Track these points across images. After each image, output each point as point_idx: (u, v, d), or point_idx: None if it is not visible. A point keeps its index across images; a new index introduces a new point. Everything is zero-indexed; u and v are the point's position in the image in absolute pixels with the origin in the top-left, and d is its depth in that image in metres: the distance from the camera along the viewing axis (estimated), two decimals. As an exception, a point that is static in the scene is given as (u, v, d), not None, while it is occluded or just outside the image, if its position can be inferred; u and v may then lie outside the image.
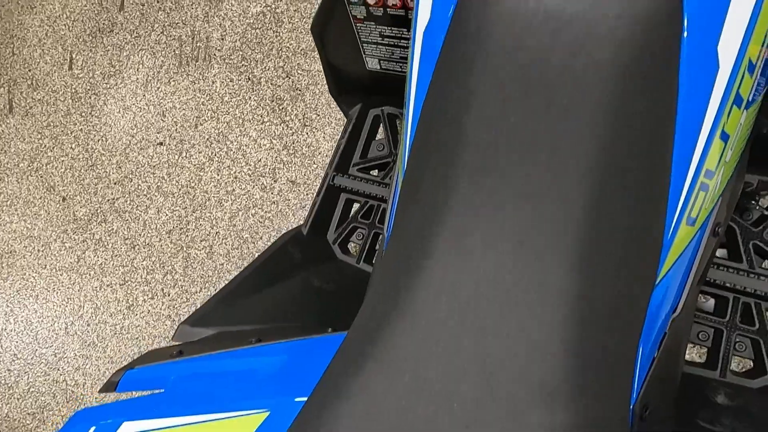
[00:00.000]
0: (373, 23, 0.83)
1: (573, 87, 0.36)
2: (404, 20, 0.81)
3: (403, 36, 0.84)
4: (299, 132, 1.45)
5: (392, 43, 0.86)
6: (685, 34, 0.36)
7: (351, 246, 1.09)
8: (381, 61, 0.92)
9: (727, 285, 0.66)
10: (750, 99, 0.44)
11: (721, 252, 0.73)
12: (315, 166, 1.42)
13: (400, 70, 0.93)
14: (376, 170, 1.12)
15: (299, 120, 1.46)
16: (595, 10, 0.35)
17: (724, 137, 0.41)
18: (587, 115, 0.36)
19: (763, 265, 0.71)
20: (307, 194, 1.41)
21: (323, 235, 1.09)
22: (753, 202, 0.75)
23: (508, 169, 0.38)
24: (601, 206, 0.36)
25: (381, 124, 1.11)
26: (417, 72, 0.47)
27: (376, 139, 1.12)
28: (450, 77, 0.41)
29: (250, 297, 0.88)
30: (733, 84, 0.38)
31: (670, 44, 0.36)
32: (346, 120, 1.12)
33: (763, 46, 0.39)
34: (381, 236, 1.07)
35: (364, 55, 0.92)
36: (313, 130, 1.44)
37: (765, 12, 0.37)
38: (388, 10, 0.80)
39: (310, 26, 1.02)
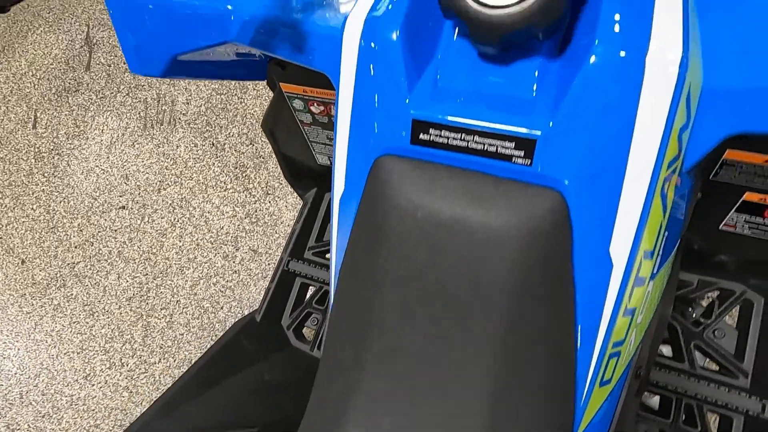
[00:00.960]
0: (320, 127, 0.85)
1: (470, 293, 0.37)
2: (349, 128, 0.82)
3: (349, 141, 0.85)
4: (262, 200, 1.46)
5: (340, 145, 0.87)
6: (574, 242, 0.37)
7: (305, 331, 1.09)
8: (330, 158, 0.94)
9: (669, 387, 0.68)
10: (654, 272, 0.45)
11: (666, 349, 0.75)
12: (277, 235, 1.42)
13: (350, 166, 0.94)
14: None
15: (262, 188, 1.47)
16: (486, 219, 0.37)
17: (629, 312, 0.43)
18: (484, 318, 0.37)
19: (705, 365, 0.72)
20: (268, 264, 1.41)
21: (278, 321, 1.09)
22: (693, 302, 0.77)
23: (414, 356, 0.39)
24: (503, 397, 0.37)
25: (337, 207, 1.12)
26: (336, 235, 0.47)
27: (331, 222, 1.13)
28: (361, 260, 0.42)
29: (195, 399, 0.87)
30: (629, 276, 0.40)
31: (561, 253, 0.37)
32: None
33: (664, 215, 0.41)
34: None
35: (314, 152, 0.93)
36: (276, 199, 1.44)
37: (656, 206, 0.39)
38: (332, 119, 0.82)
39: (261, 122, 1.03)
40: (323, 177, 1.03)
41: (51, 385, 1.53)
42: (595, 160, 0.35)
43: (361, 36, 0.40)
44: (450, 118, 0.37)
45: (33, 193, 1.72)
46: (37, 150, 1.76)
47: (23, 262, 1.66)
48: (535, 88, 0.36)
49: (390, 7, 0.39)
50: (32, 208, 1.70)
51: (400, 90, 0.39)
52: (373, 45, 0.40)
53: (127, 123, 1.67)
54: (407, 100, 0.38)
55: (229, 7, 0.55)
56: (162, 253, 1.51)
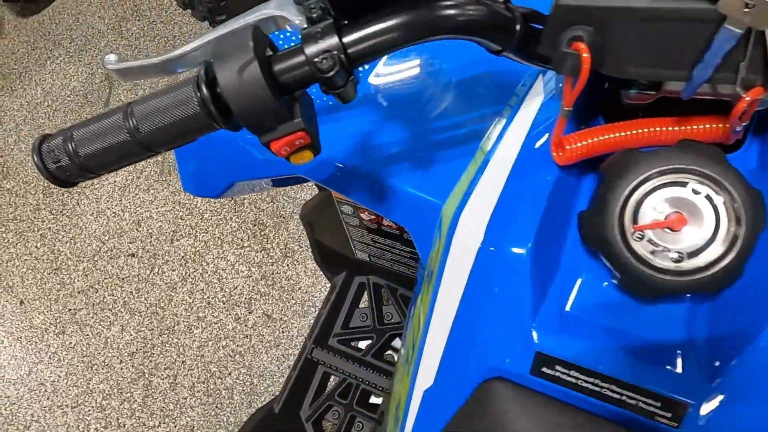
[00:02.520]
0: (365, 230, 0.81)
1: None
2: (398, 237, 0.79)
3: (396, 247, 0.81)
4: (280, 262, 1.41)
5: (384, 248, 0.83)
6: None
7: (325, 425, 1.03)
8: (371, 256, 0.90)
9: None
10: None
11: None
12: (293, 301, 1.37)
13: (390, 266, 0.90)
14: (358, 341, 1.08)
15: (281, 249, 1.42)
16: None
17: None
18: None
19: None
20: (282, 331, 1.35)
21: (296, 411, 1.03)
22: None
23: None
24: None
25: (365, 292, 1.07)
26: (412, 426, 0.43)
27: (360, 306, 1.08)
28: None
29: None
30: None
31: None
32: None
33: None
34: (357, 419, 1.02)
35: (353, 248, 0.89)
36: (295, 263, 1.40)
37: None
38: (383, 227, 0.78)
39: (299, 213, 0.99)
40: (356, 264, 0.99)
41: (41, 440, 1.45)
42: None
43: (483, 241, 0.36)
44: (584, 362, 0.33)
45: (38, 230, 1.66)
46: (46, 185, 1.70)
47: (22, 303, 1.59)
48: (686, 340, 0.32)
49: (520, 213, 0.36)
50: (36, 246, 1.64)
51: (522, 312, 0.35)
52: (495, 250, 0.36)
53: (143, 166, 1.62)
54: (532, 328, 0.34)
55: None
56: (170, 308, 1.45)
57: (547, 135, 0.37)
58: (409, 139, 0.49)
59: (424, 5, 0.31)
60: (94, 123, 0.33)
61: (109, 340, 1.48)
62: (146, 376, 1.41)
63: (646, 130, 0.34)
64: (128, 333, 1.47)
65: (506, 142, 0.39)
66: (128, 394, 1.41)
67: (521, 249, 0.35)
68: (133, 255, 1.54)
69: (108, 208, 1.61)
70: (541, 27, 0.33)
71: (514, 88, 0.45)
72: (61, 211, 1.66)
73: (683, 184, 0.29)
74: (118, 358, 1.45)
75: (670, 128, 0.34)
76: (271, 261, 1.42)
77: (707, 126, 0.33)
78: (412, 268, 0.85)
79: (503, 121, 0.42)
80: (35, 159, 0.34)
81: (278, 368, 1.34)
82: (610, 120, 0.39)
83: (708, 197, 0.29)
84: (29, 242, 1.65)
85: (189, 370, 1.39)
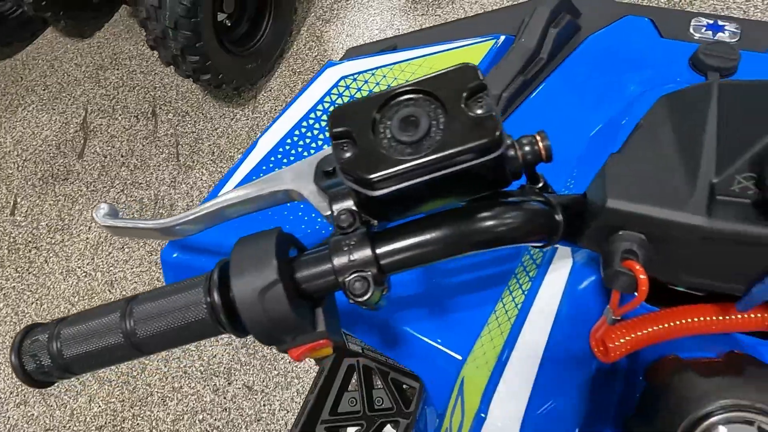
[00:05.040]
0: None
1: None
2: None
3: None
4: (261, 330, 1.35)
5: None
6: None
7: None
8: (364, 349, 0.86)
9: None
10: None
11: None
12: (275, 372, 1.31)
13: (384, 359, 0.87)
14: (347, 428, 1.03)
15: (263, 316, 1.36)
16: None
17: None
18: None
19: None
20: (263, 404, 1.29)
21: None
22: None
23: None
24: None
25: (354, 375, 1.03)
26: None
27: (348, 390, 1.04)
28: None
29: None
30: None
31: None
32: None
33: None
34: None
35: (347, 341, 0.85)
36: (277, 331, 1.34)
37: None
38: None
39: None
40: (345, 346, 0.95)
41: None
42: None
43: None
44: None
45: (1, 289, 1.56)
46: (12, 240, 1.61)
47: (-20, 369, 1.48)
48: None
49: (555, 415, 0.33)
50: (-2, 307, 1.54)
51: None
52: None
53: (118, 223, 1.55)
54: None
55: None
56: (143, 377, 1.37)
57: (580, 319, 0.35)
58: (423, 282, 0.46)
59: (462, 217, 0.28)
60: (87, 321, 0.29)
61: (75, 412, 1.38)
62: (115, 452, 1.32)
63: (695, 320, 0.31)
64: (96, 404, 1.37)
65: (535, 319, 0.36)
66: (95, 473, 1.31)
67: None
68: (104, 318, 1.46)
69: (79, 267, 1.53)
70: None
71: None
72: (27, 269, 1.57)
73: (750, 423, 0.27)
74: (84, 431, 1.36)
75: (720, 318, 0.32)
76: (252, 328, 1.36)
77: (758, 315, 0.31)
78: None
79: (526, 279, 0.40)
80: (12, 358, 0.29)
81: (259, 445, 1.27)
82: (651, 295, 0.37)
83: None
84: (-9, 302, 1.55)
85: (162, 446, 1.30)
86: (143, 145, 1.67)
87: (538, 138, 0.28)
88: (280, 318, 0.26)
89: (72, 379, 1.41)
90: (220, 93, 1.68)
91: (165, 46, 1.34)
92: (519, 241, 0.29)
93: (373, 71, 0.56)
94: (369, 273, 0.27)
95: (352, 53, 0.64)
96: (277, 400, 1.29)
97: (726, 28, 0.58)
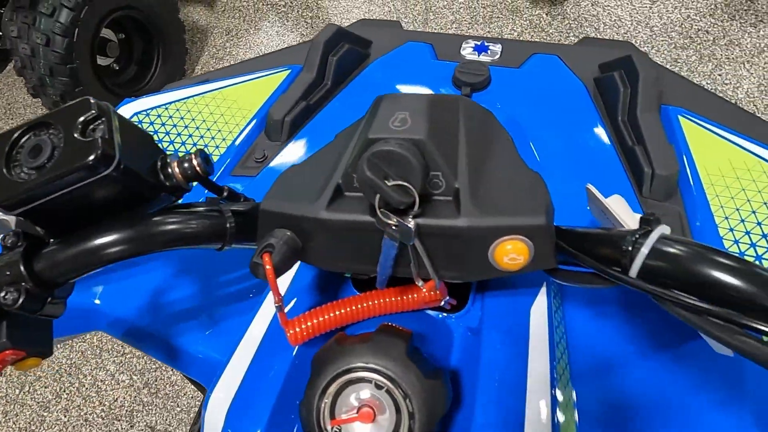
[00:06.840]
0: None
1: None
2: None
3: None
4: (163, 368, 1.34)
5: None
6: None
7: None
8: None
9: None
10: None
11: None
12: (179, 409, 1.30)
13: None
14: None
15: (164, 353, 1.36)
16: None
17: None
18: None
19: None
20: (167, 443, 1.27)
21: None
22: None
23: None
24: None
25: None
26: None
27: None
28: None
29: None
30: None
31: None
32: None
33: None
34: None
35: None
36: (179, 366, 1.34)
37: None
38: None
39: None
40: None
41: None
42: None
43: (223, 428, 0.37)
44: None
45: None
46: None
47: None
48: None
49: (257, 397, 0.37)
50: None
51: None
52: None
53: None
54: None
55: (97, 301, 0.51)
56: (42, 430, 1.33)
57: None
58: (197, 295, 0.50)
59: (139, 220, 0.32)
60: None
61: (-30, 476, 1.32)
62: None
63: (363, 305, 0.36)
64: (-7, 465, 1.32)
65: (258, 319, 0.41)
66: None
67: None
68: None
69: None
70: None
71: None
72: None
73: (369, 381, 0.32)
74: (-20, 496, 1.29)
75: (391, 299, 0.37)
76: (154, 367, 1.35)
77: (417, 295, 0.37)
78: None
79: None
80: None
81: (164, 485, 1.25)
82: (358, 287, 0.42)
83: (389, 391, 0.32)
84: None
85: (63, 500, 1.26)
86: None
87: (192, 156, 0.33)
88: None
89: (-35, 442, 1.34)
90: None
91: (45, 93, 1.34)
92: (195, 243, 0.34)
93: (167, 106, 0.60)
94: (24, 285, 0.30)
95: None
96: (181, 437, 1.28)
97: (490, 48, 0.66)
